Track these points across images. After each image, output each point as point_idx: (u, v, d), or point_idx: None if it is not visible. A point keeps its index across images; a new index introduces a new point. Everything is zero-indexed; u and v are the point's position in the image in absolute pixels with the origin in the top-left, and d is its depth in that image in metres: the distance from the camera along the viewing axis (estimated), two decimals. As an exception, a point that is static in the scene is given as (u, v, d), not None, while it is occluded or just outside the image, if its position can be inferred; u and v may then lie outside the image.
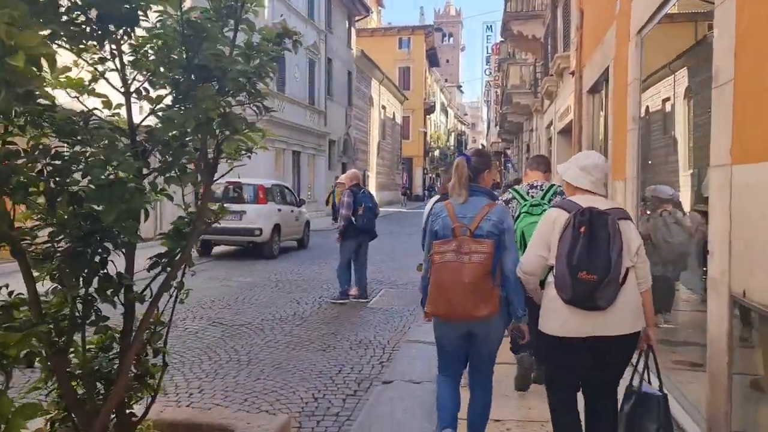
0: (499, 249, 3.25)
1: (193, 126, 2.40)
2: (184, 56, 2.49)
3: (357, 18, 36.03)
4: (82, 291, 2.40)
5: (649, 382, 3.15)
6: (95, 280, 2.46)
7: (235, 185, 14.15)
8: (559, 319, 2.96)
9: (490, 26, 54.61)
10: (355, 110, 35.43)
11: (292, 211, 15.01)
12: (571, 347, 2.95)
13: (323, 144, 29.83)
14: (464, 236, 3.24)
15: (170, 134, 2.52)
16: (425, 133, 59.46)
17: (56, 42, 2.20)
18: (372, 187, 40.17)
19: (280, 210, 14.20)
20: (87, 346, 2.55)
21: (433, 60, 62.65)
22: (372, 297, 9.36)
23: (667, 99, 5.68)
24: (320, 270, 12.14)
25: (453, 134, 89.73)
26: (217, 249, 14.56)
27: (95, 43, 2.39)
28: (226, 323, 7.49)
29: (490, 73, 51.04)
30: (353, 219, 8.80)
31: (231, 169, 2.82)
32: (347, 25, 34.13)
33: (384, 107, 44.95)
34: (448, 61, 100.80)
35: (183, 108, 2.51)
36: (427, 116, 61.67)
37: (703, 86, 3.98)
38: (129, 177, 2.31)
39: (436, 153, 71.56)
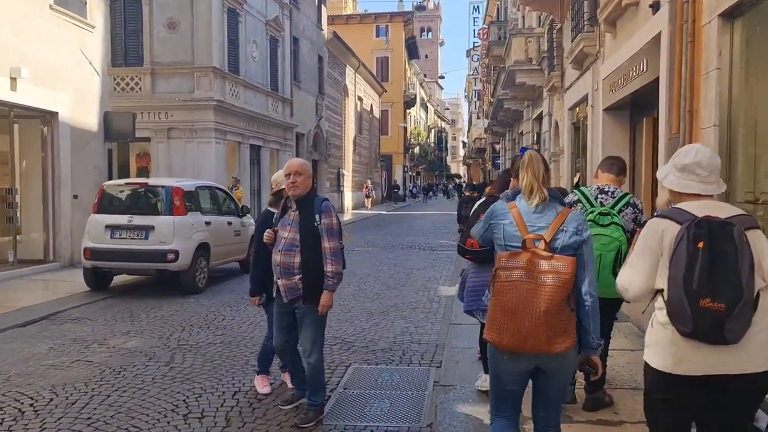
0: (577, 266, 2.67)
1: None
2: None
3: (328, -5, 31.75)
4: None
5: None
6: None
7: (142, 188, 9.90)
8: (672, 353, 2.38)
9: (477, 7, 50.38)
10: (327, 100, 31.14)
11: (229, 223, 10.77)
12: (684, 386, 2.41)
13: (289, 137, 25.56)
14: (537, 248, 2.63)
15: None
16: (405, 129, 55.38)
17: None
18: (348, 188, 35.95)
19: (208, 223, 9.96)
20: None
21: (412, 51, 58.65)
22: (332, 386, 5.22)
23: None
24: (260, 315, 7.94)
25: (433, 131, 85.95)
26: (120, 278, 10.30)
27: None
28: None
29: (478, 59, 47.05)
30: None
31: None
32: (317, 2, 29.85)
33: (360, 99, 40.71)
34: (426, 56, 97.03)
35: None
36: (407, 110, 57.64)
37: None
38: None
39: (416, 150, 67.63)
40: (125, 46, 18.62)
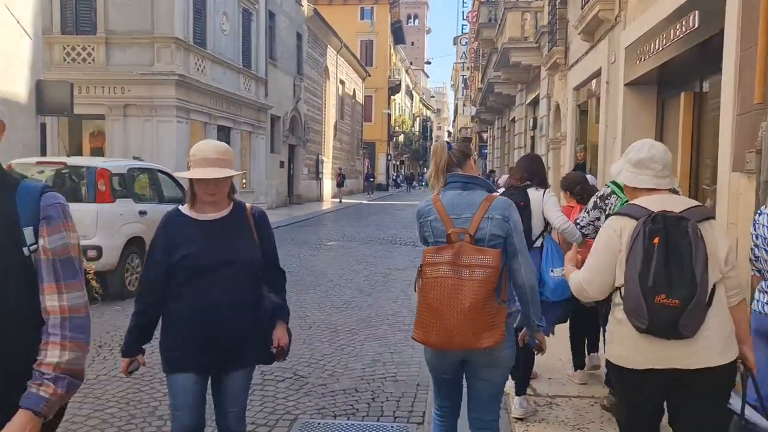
0: (504, 256, 2.60)
1: None
2: None
3: (308, -32, 29.77)
4: None
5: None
6: None
7: (60, 168, 8.12)
8: (628, 347, 2.39)
9: (467, -11, 48.71)
10: (306, 81, 29.27)
11: (173, 213, 9.02)
12: (646, 382, 2.38)
13: (263, 119, 23.72)
14: (462, 241, 2.57)
15: None
16: (389, 116, 53.58)
17: None
18: (327, 175, 34.17)
19: (144, 213, 8.20)
20: None
21: (398, 35, 56.80)
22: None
23: None
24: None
25: (418, 119, 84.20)
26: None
27: None
28: None
29: (466, 43, 45.23)
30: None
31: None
32: (296, -24, 27.93)
33: (342, 82, 38.84)
34: (413, 43, 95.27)
35: None
36: (392, 97, 55.81)
37: None
38: None
39: (401, 138, 65.87)
40: (76, 11, 16.72)
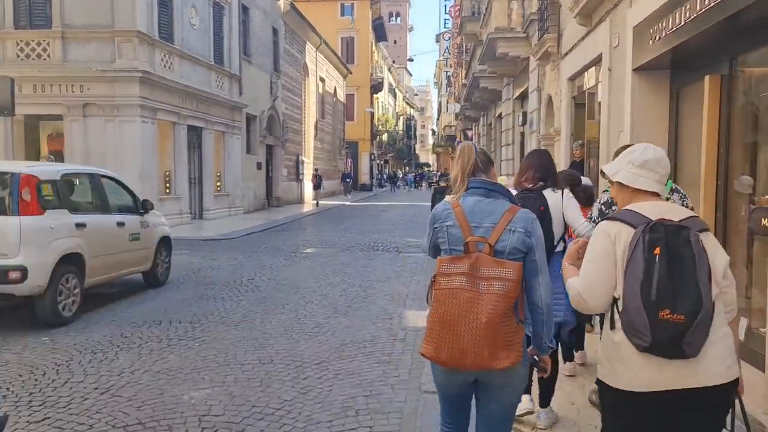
0: (524, 272, 2.43)
1: None
2: None
3: (284, -39, 28.61)
4: None
5: None
6: None
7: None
8: (627, 369, 2.17)
9: (448, -16, 47.71)
10: (283, 79, 28.10)
11: (120, 224, 7.91)
12: (643, 403, 2.17)
13: (238, 119, 22.56)
14: (480, 252, 2.40)
15: None
16: (372, 114, 52.47)
17: None
18: (308, 177, 32.99)
19: (82, 225, 7.08)
20: None
21: (379, 32, 55.70)
22: None
23: None
24: (142, 362, 5.13)
25: (402, 118, 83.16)
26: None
27: None
28: None
29: (450, 39, 44.24)
30: None
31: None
32: (271, -31, 26.76)
33: (323, 80, 37.69)
34: (395, 42, 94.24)
35: None
36: (375, 95, 54.69)
37: None
38: None
39: (384, 137, 64.79)
40: (29, 4, 15.56)
